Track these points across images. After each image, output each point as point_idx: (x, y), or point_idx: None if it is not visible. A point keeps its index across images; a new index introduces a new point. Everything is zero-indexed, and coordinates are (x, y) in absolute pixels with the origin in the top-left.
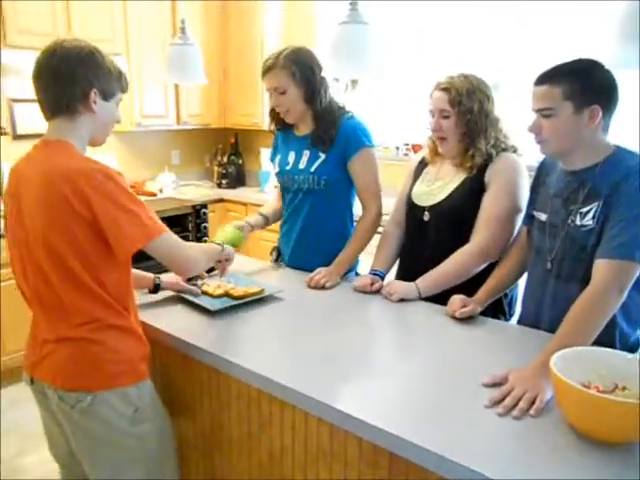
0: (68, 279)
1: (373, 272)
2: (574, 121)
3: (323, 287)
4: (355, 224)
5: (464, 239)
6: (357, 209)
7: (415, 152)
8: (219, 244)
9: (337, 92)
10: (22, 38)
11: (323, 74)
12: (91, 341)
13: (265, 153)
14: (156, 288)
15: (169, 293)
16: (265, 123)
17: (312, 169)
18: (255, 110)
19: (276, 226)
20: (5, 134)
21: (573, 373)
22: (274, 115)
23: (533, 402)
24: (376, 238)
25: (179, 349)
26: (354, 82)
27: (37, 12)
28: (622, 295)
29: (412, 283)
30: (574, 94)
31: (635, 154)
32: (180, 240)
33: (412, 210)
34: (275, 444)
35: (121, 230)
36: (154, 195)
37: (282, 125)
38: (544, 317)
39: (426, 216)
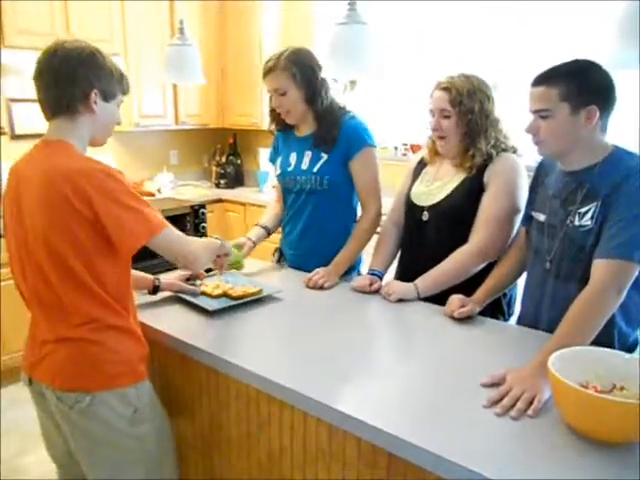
0: (68, 279)
1: (371, 272)
2: (571, 122)
3: (322, 287)
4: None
5: (463, 239)
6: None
7: (414, 152)
8: (218, 239)
9: (336, 93)
10: (21, 38)
11: (324, 75)
12: (90, 341)
13: (263, 153)
14: (155, 289)
15: (167, 293)
16: (264, 123)
17: (314, 169)
18: (253, 110)
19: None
20: (3, 134)
21: (571, 373)
22: (274, 116)
23: (531, 402)
24: (375, 238)
25: (178, 349)
26: (352, 83)
27: (36, 12)
28: (621, 295)
29: (411, 283)
30: (571, 95)
31: (634, 154)
32: (182, 235)
33: (411, 210)
34: (274, 444)
35: (124, 227)
36: (152, 195)
37: (282, 126)
38: (543, 317)
39: (425, 216)
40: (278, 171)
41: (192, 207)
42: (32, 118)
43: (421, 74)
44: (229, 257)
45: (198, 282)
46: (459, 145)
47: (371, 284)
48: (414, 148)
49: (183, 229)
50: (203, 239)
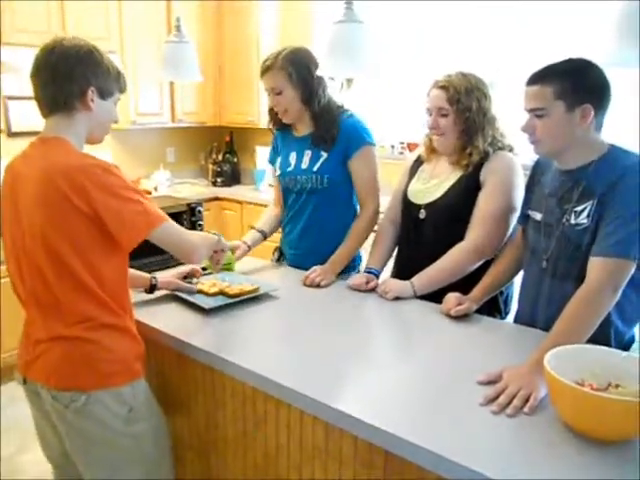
0: (66, 277)
1: (368, 270)
2: (566, 120)
3: (318, 285)
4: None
5: (460, 237)
6: None
7: (410, 151)
8: (216, 234)
9: (333, 91)
10: (17, 36)
11: (321, 74)
12: (85, 340)
13: (260, 151)
14: (152, 288)
15: (164, 291)
16: (260, 121)
17: (315, 168)
18: (250, 108)
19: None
20: None
21: (567, 371)
22: (273, 115)
23: (527, 400)
24: (373, 236)
25: (174, 348)
26: (349, 81)
27: (33, 11)
28: (617, 293)
29: (407, 281)
30: (565, 93)
31: (631, 153)
32: (181, 228)
33: (408, 208)
34: (270, 443)
35: (125, 221)
36: (149, 193)
37: (280, 125)
38: (540, 316)
39: (422, 214)
40: (278, 171)
41: (189, 205)
42: (29, 116)
43: (418, 73)
44: (226, 253)
45: (195, 280)
46: (456, 143)
47: (367, 282)
48: (411, 147)
49: None
50: (201, 233)
